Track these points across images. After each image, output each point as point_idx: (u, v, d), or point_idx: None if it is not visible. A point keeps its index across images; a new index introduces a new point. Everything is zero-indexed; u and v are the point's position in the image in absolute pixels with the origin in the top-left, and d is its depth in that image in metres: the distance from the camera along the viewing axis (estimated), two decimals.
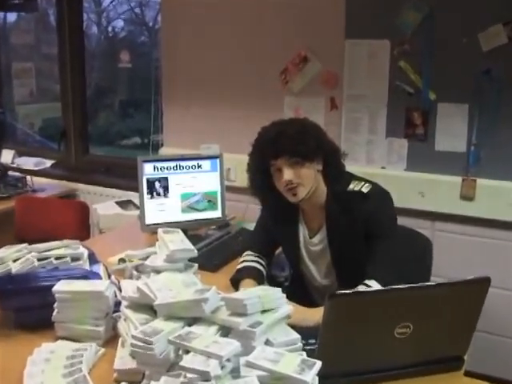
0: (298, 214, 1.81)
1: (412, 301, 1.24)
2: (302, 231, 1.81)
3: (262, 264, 1.86)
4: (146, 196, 2.29)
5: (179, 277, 1.49)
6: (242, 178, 2.87)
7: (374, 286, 1.57)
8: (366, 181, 1.72)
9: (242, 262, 1.87)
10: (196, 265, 1.63)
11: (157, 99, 3.23)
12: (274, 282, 1.91)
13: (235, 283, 1.78)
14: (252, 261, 1.86)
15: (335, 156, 1.72)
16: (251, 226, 2.22)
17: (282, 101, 2.73)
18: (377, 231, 1.65)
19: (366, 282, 1.59)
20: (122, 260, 1.90)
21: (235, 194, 2.64)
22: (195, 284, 1.43)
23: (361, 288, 1.58)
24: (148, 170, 2.29)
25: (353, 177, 1.74)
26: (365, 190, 1.67)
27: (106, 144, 4.33)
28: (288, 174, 1.65)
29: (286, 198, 1.71)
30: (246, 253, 1.91)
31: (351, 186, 1.69)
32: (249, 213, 2.56)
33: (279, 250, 1.96)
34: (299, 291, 1.83)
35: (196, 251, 1.61)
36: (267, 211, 1.86)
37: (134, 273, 1.69)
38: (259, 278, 1.79)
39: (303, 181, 1.66)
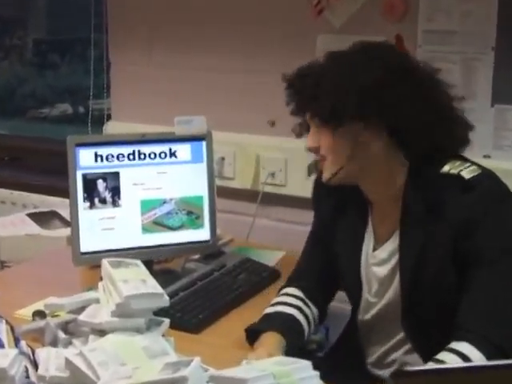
0: (366, 207, 1.85)
1: None
2: (367, 239, 1.84)
3: (305, 313, 1.88)
4: (82, 204, 2.30)
5: (138, 342, 1.50)
6: (245, 173, 2.92)
7: (468, 352, 1.57)
8: (473, 163, 1.73)
9: (277, 300, 1.91)
10: (167, 321, 1.64)
11: (100, 38, 3.25)
12: (300, 351, 1.92)
13: (251, 336, 1.80)
14: (291, 304, 1.87)
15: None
16: (261, 256, 2.24)
17: (314, 41, 2.74)
18: (480, 252, 1.65)
19: (454, 345, 1.60)
20: (39, 314, 1.91)
21: (233, 200, 2.65)
22: (166, 353, 1.44)
23: (442, 356, 1.58)
24: (85, 159, 2.30)
25: (453, 155, 1.75)
26: (467, 174, 1.68)
27: (10, 116, 4.36)
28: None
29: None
30: (285, 290, 1.93)
31: (446, 168, 1.71)
32: (257, 232, 2.56)
33: None
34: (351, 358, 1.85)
35: (167, 298, 1.63)
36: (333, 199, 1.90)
37: (61, 335, 1.70)
38: (293, 334, 1.80)
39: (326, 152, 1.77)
